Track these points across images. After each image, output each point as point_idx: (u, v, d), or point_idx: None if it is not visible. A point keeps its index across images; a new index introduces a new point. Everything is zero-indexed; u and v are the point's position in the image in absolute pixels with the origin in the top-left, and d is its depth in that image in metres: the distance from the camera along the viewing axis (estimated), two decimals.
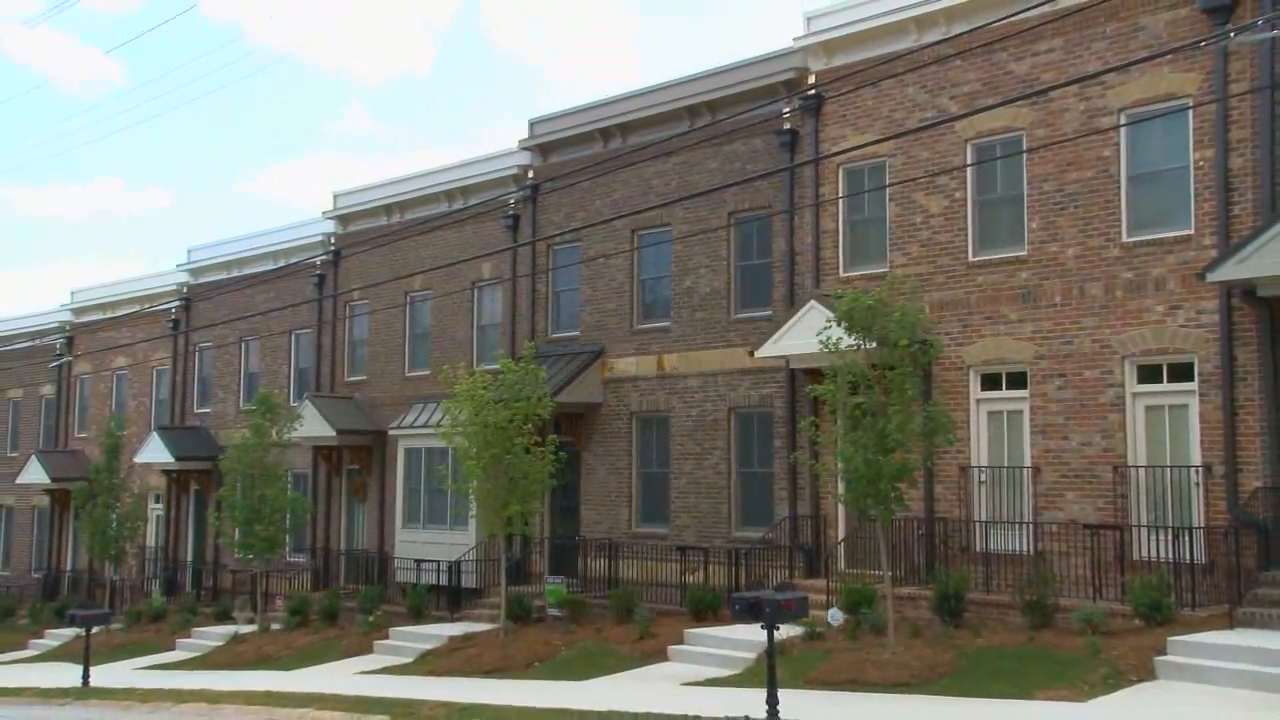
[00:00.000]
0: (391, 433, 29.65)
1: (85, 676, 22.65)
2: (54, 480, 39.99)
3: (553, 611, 23.33)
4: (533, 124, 27.91)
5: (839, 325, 17.88)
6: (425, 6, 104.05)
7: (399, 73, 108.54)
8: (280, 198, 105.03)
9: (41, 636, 34.00)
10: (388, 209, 31.80)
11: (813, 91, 22.09)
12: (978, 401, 19.93)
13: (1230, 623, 15.42)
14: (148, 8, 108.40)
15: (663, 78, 25.80)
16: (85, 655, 23.29)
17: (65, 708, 20.09)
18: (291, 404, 31.97)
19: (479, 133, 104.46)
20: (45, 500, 42.36)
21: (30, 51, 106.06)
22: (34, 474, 40.76)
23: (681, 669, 18.51)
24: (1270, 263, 15.70)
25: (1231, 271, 16.24)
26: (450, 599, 26.16)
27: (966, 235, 20.18)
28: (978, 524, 19.47)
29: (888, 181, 21.14)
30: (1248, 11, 16.93)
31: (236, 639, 27.66)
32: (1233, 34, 15.33)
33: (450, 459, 24.60)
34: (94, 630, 24.21)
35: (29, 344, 44.63)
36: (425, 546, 27.84)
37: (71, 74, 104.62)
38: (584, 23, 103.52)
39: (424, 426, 27.88)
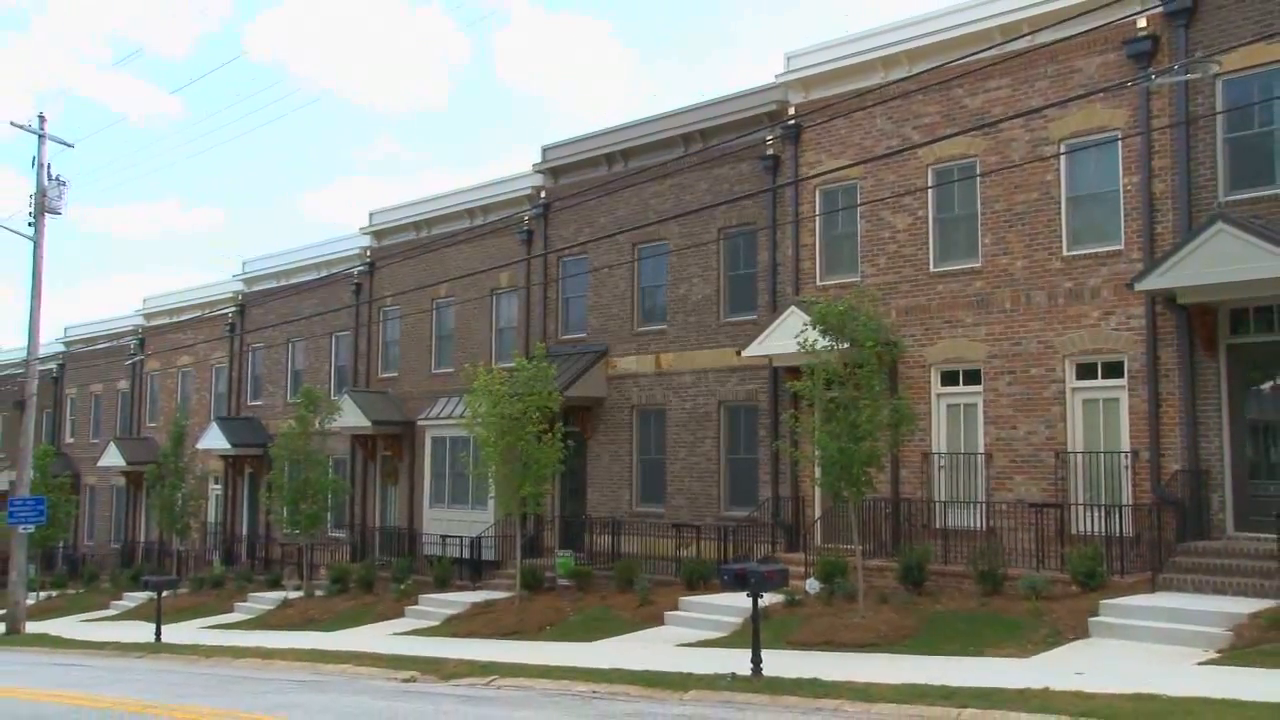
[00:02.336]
0: (420, 423, 29.74)
1: (157, 634, 22.92)
2: (129, 464, 40.28)
3: (562, 581, 23.45)
4: (545, 150, 28.01)
5: (815, 328, 17.98)
6: (445, 46, 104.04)
7: (421, 106, 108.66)
8: (321, 216, 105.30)
9: (120, 599, 34.31)
10: (417, 225, 31.92)
11: (793, 121, 22.22)
12: (938, 396, 20.09)
13: (1153, 587, 15.64)
14: (202, 51, 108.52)
15: (660, 109, 25.87)
16: (157, 615, 23.63)
17: (142, 660, 20.30)
18: (332, 397, 32.06)
19: (491, 158, 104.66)
20: (122, 481, 42.72)
21: (106, 93, 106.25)
22: (112, 458, 41.13)
23: (677, 632, 18.65)
24: (1187, 274, 15.91)
25: (1155, 282, 16.44)
26: (472, 570, 26.32)
27: (928, 249, 20.36)
28: (937, 504, 19.63)
29: (859, 201, 21.28)
30: (1166, 57, 17.17)
31: (285, 603, 27.86)
32: (1154, 76, 15.58)
33: (471, 446, 24.67)
34: (164, 594, 24.40)
35: (107, 345, 44.84)
36: (450, 524, 27.98)
37: (139, 111, 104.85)
38: (589, 60, 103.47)
39: (448, 418, 28.00)
